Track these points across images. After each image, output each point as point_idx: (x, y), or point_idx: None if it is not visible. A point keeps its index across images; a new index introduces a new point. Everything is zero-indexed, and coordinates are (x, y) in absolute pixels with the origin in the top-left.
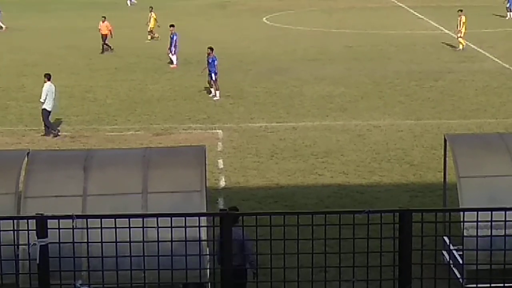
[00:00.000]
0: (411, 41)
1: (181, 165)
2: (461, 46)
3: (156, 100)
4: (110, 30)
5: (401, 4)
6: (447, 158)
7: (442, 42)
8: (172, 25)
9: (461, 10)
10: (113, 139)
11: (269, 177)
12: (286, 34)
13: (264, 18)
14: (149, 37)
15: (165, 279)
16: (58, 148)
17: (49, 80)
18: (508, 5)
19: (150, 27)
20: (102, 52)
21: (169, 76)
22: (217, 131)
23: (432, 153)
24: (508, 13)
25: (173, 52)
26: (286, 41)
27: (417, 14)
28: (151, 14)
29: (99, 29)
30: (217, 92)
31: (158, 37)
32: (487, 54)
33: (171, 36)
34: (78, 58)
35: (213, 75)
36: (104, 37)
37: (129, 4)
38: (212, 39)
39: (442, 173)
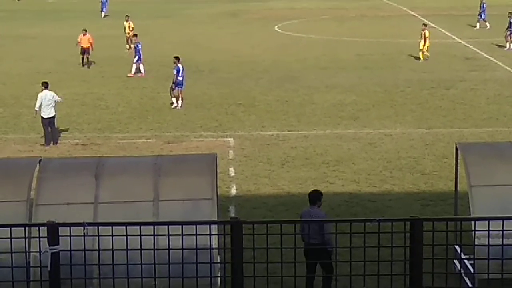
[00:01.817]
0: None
1: (192, 173)
2: (421, 59)
3: (168, 108)
4: (91, 43)
5: (412, 13)
6: (458, 167)
7: (454, 51)
8: (135, 35)
9: (425, 25)
10: (125, 147)
11: (280, 185)
12: (297, 42)
13: (276, 27)
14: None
15: (175, 287)
16: (70, 156)
17: (46, 88)
18: (479, 16)
19: (129, 35)
20: (83, 65)
21: None
22: (229, 139)
23: (443, 161)
24: (478, 23)
25: (135, 61)
26: (297, 49)
27: (428, 22)
28: (129, 23)
29: (78, 41)
30: (179, 102)
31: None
32: (499, 63)
33: (135, 45)
34: (90, 66)
35: (176, 84)
36: (84, 50)
37: (102, 16)
38: (223, 47)
39: (454, 182)
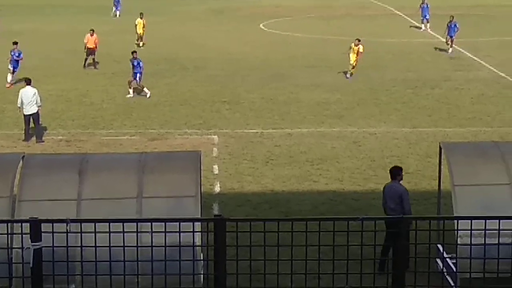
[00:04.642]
0: (408, 49)
1: (176, 170)
2: (349, 74)
3: (153, 105)
4: (96, 44)
5: (398, 12)
6: (442, 166)
7: (438, 50)
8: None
9: (359, 40)
10: (109, 144)
11: (264, 183)
12: (283, 41)
13: (261, 25)
14: (140, 43)
15: (158, 284)
16: (53, 152)
17: (28, 84)
18: (422, 17)
19: (139, 33)
20: (85, 67)
21: (166, 81)
22: (213, 136)
23: (427, 161)
24: (422, 25)
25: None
26: (283, 47)
27: (414, 22)
28: (143, 20)
29: (86, 42)
30: (131, 90)
31: (141, 43)
32: (483, 63)
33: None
34: (76, 62)
35: (138, 75)
36: (90, 51)
37: (117, 15)
38: (209, 45)
39: (437, 181)
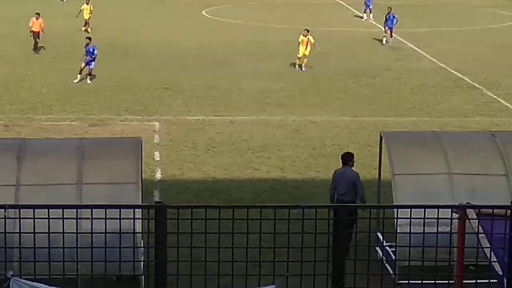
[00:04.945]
0: (350, 38)
1: (116, 157)
2: (297, 66)
3: (93, 90)
4: (42, 28)
5: (340, 1)
6: (382, 155)
7: (379, 40)
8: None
9: (308, 30)
10: (48, 129)
11: (205, 170)
12: (225, 28)
13: (204, 11)
14: (83, 28)
15: (98, 271)
16: None
17: None
18: (365, 7)
19: (86, 19)
20: (36, 49)
21: (106, 66)
22: (154, 123)
23: (367, 150)
24: (365, 14)
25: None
26: (225, 34)
27: (355, 11)
28: (89, 5)
29: (31, 26)
30: (89, 78)
31: (88, 29)
32: (424, 53)
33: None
34: (13, 47)
35: (93, 63)
36: (35, 34)
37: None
38: (151, 31)
39: (377, 170)
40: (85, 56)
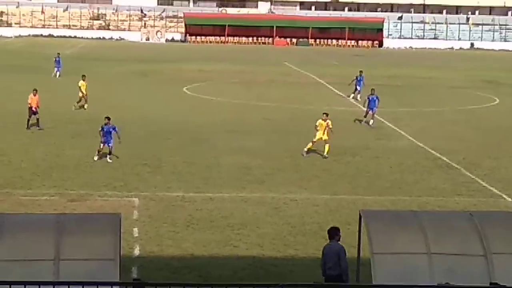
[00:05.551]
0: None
1: (95, 233)
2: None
3: (73, 165)
4: (38, 104)
5: (320, 80)
6: (361, 234)
7: (360, 120)
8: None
9: (327, 114)
10: (27, 204)
11: (184, 247)
12: (206, 105)
13: (185, 88)
14: (77, 104)
15: None
16: None
17: None
18: (355, 88)
19: (83, 94)
20: (28, 127)
21: (87, 142)
22: (133, 199)
23: (347, 228)
24: (352, 94)
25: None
26: (205, 111)
27: (336, 90)
28: (85, 83)
29: (29, 103)
30: (109, 157)
31: (85, 106)
32: (402, 133)
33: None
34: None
35: (111, 141)
36: (33, 111)
37: (56, 76)
38: (132, 106)
39: (356, 249)
40: (102, 137)
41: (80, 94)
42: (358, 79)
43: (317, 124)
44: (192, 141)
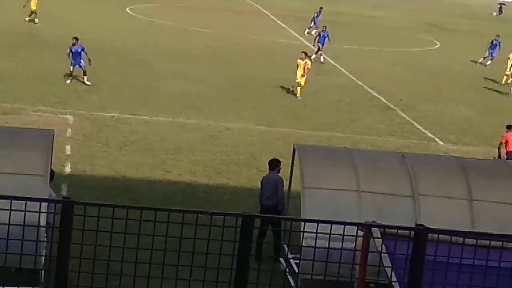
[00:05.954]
0: (272, 48)
1: (26, 148)
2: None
3: (8, 78)
4: None
5: (265, 11)
6: (294, 167)
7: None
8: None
9: (305, 53)
10: None
11: (116, 168)
12: (148, 27)
13: (128, 8)
14: (27, 18)
15: None
16: None
17: None
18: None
19: (33, 9)
20: None
21: (24, 55)
22: (68, 116)
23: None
24: (308, 29)
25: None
26: (148, 34)
27: (279, 22)
28: None
29: None
30: (86, 78)
31: (36, 20)
32: (343, 70)
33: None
34: None
35: (82, 61)
36: None
37: None
38: (73, 24)
39: (288, 182)
40: (72, 60)
41: (33, 8)
42: (317, 15)
43: (297, 62)
44: (132, 62)
